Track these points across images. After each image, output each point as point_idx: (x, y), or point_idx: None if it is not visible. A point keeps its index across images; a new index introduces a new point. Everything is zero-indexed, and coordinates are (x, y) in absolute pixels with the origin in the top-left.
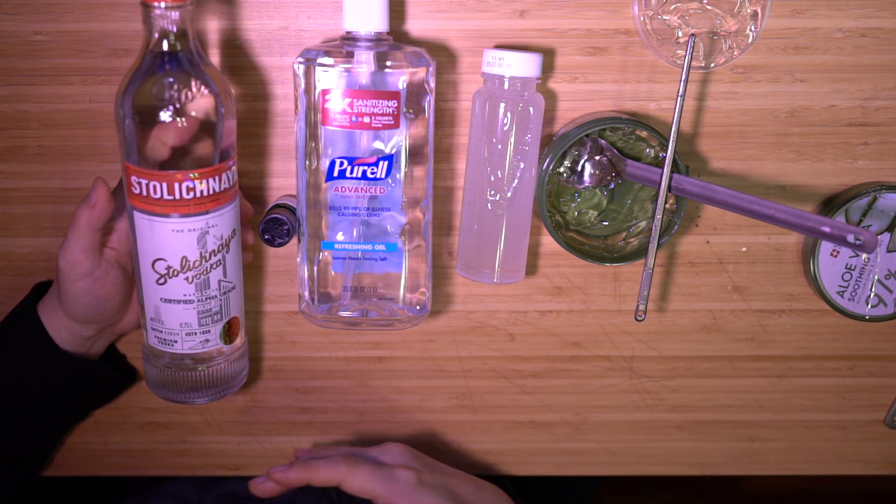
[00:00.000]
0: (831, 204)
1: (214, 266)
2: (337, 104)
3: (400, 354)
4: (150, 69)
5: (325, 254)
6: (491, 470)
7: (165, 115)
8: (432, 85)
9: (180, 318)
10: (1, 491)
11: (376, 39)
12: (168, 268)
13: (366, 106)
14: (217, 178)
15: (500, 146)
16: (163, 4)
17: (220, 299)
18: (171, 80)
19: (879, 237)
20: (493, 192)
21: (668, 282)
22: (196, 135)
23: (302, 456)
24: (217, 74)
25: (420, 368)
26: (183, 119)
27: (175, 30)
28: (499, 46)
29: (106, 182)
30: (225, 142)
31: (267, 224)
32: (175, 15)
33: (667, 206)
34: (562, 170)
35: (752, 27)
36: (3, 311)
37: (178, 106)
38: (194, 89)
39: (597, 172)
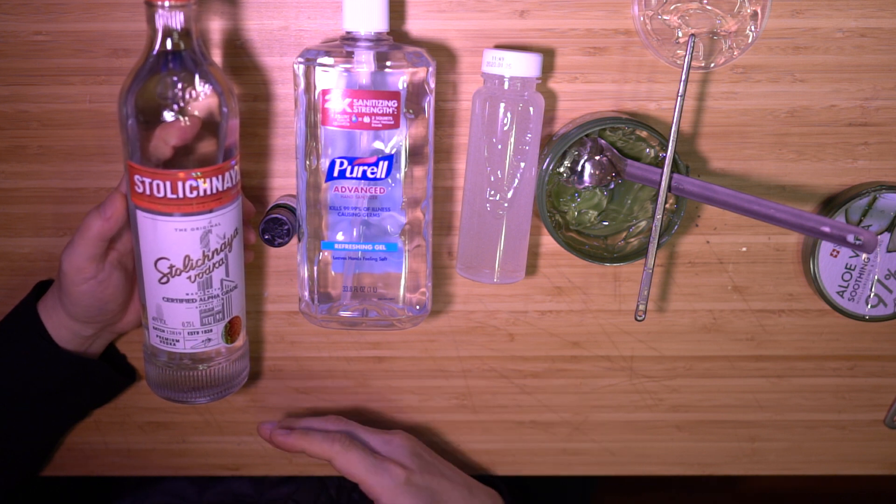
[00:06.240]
0: (831, 204)
1: (217, 265)
2: (337, 104)
3: (400, 354)
4: (153, 68)
5: (325, 254)
6: (491, 470)
7: (169, 115)
8: (432, 85)
9: (182, 317)
10: (0, 490)
11: (376, 39)
12: (171, 267)
13: (366, 106)
14: (220, 177)
15: (500, 146)
16: (167, 4)
17: (223, 298)
18: (175, 79)
19: (879, 237)
20: (493, 192)
21: (668, 282)
22: (199, 134)
23: (306, 424)
24: (220, 74)
25: (420, 368)
26: (186, 118)
27: (179, 29)
28: (499, 46)
29: (124, 195)
30: (228, 141)
31: (267, 224)
32: (179, 14)
33: (667, 206)
34: (562, 170)
35: (752, 27)
36: (2, 311)
37: (181, 105)
38: (198, 89)
39: (597, 172)
